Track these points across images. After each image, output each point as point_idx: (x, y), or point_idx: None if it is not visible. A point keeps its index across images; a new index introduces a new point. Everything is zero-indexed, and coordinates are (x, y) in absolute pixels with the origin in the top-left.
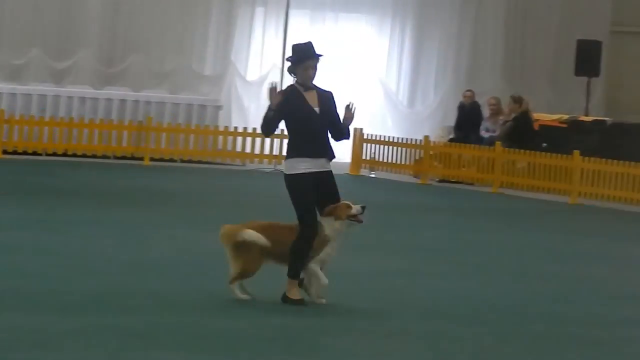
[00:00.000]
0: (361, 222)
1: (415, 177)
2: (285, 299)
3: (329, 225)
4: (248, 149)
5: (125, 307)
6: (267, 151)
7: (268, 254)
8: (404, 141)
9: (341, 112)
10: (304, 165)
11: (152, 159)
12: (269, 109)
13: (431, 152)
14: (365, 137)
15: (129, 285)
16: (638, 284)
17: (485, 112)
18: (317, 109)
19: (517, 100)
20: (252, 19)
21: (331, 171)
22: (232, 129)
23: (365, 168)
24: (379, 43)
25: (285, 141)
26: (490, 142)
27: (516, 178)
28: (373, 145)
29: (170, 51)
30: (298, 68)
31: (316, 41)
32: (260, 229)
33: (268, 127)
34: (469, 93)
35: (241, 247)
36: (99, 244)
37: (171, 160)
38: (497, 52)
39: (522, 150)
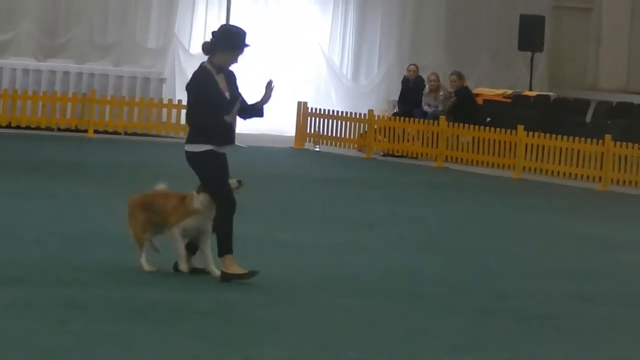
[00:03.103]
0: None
1: (359, 150)
2: (227, 277)
3: (197, 199)
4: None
5: (66, 279)
6: None
7: (151, 219)
8: (349, 115)
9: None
10: (211, 146)
11: (95, 132)
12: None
13: (375, 126)
14: (309, 111)
15: (68, 258)
16: (579, 259)
17: (426, 88)
18: (227, 95)
19: (460, 75)
20: None
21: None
22: (175, 102)
23: (309, 142)
24: (323, 17)
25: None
26: (434, 116)
27: (460, 152)
28: (317, 119)
29: (113, 23)
30: (225, 51)
31: (259, 15)
32: (144, 196)
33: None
34: (412, 67)
35: (129, 211)
36: (40, 215)
37: (115, 132)
38: (440, 26)
39: (466, 125)
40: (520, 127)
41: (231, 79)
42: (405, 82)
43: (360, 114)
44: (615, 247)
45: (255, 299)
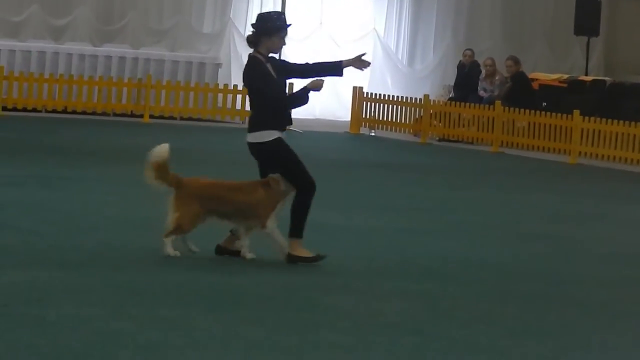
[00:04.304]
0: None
1: (415, 135)
2: (293, 259)
3: (280, 182)
4: (248, 107)
5: (125, 264)
6: None
7: (210, 211)
8: (404, 100)
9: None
10: (277, 134)
11: (151, 117)
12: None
13: (431, 111)
14: (365, 96)
15: (127, 243)
16: (636, 244)
17: (482, 72)
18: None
19: (516, 60)
20: None
21: None
22: (231, 87)
23: (365, 127)
24: (378, 2)
25: None
26: (489, 101)
27: (516, 137)
28: (373, 104)
29: (169, 8)
30: (271, 37)
31: (314, 1)
32: (206, 186)
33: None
34: (468, 52)
35: (182, 195)
36: (97, 201)
37: (171, 117)
38: (496, 11)
39: (522, 110)
40: (576, 112)
41: (277, 64)
42: (460, 67)
43: (415, 99)
44: None
45: (313, 284)
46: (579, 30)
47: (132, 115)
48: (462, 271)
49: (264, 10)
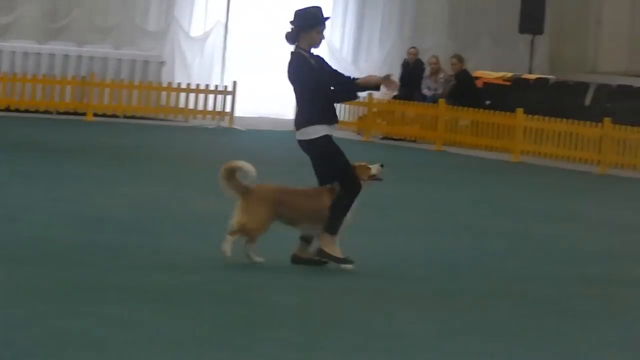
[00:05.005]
0: (381, 179)
1: (358, 133)
2: (323, 255)
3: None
4: (191, 105)
5: (73, 262)
6: (210, 107)
7: (277, 216)
8: None
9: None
10: (326, 130)
11: (95, 115)
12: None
13: (374, 109)
14: None
15: (74, 241)
16: (577, 241)
17: (426, 70)
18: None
19: (461, 58)
20: None
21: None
22: (175, 85)
23: None
24: None
25: (228, 97)
26: (433, 99)
27: (459, 136)
28: None
29: (114, 6)
30: (309, 33)
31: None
32: (275, 191)
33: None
34: (412, 50)
35: (251, 199)
36: (42, 198)
37: (114, 116)
38: (442, 8)
39: (465, 108)
40: (519, 111)
41: (322, 62)
42: (405, 65)
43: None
44: (615, 230)
45: (265, 283)
46: (524, 28)
47: (76, 113)
48: (408, 269)
49: (209, 8)
